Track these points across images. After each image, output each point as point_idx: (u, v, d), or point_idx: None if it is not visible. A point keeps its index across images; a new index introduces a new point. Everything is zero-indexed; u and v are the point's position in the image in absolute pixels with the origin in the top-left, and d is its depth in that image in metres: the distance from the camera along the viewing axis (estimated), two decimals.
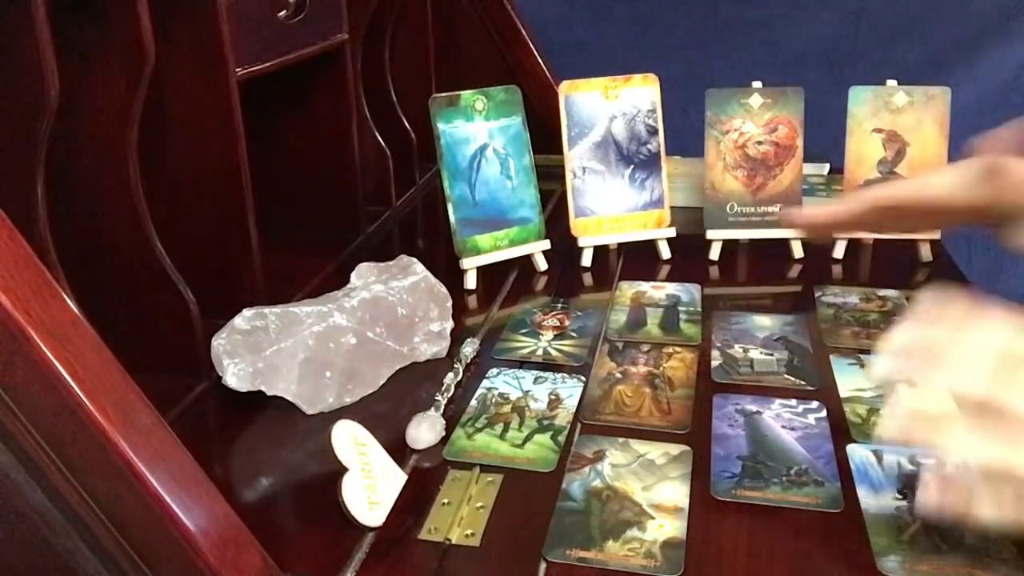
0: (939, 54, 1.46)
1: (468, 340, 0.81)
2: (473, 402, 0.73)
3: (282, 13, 0.85)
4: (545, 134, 1.09)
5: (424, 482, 0.63)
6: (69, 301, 0.48)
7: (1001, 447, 0.47)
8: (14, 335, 0.44)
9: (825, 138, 1.09)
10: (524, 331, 0.85)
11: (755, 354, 0.79)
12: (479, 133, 0.96)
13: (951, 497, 0.49)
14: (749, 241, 1.02)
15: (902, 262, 0.99)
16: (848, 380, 0.75)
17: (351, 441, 0.62)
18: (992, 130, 0.62)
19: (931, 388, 0.50)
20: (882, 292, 0.91)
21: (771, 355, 0.79)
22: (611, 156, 0.99)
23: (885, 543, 0.56)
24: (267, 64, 0.81)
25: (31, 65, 0.57)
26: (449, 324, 0.80)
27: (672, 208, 1.01)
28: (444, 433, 0.68)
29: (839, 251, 1.00)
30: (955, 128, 0.97)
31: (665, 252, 1.01)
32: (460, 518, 0.59)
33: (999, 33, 1.45)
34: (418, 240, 1.15)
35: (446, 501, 0.61)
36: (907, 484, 0.61)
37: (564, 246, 1.00)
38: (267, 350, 0.70)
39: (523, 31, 1.30)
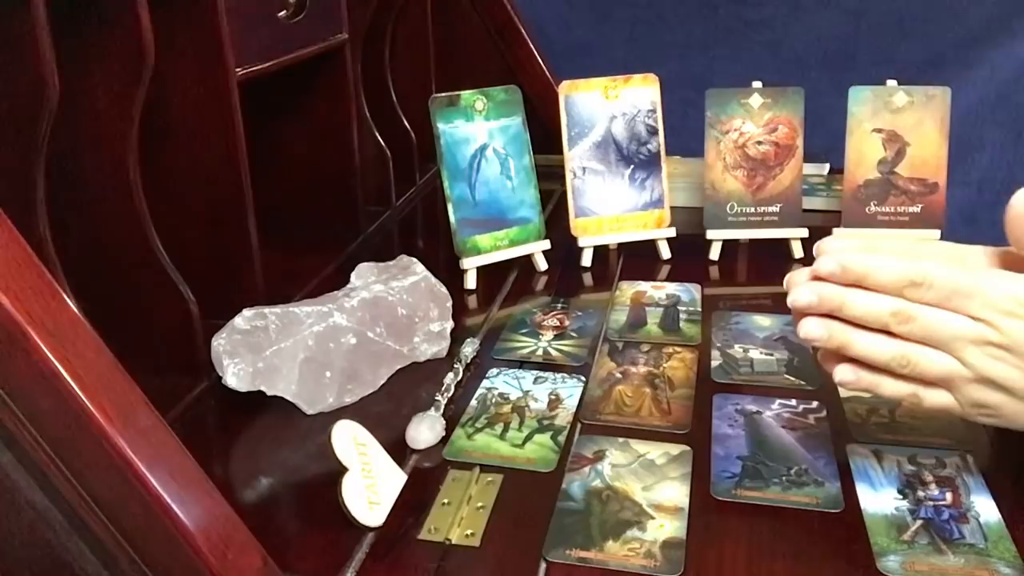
0: (939, 54, 1.46)
1: (468, 340, 0.81)
2: (473, 402, 0.73)
3: (282, 13, 0.85)
4: (545, 134, 1.09)
5: (424, 482, 0.63)
6: (69, 301, 0.48)
7: (904, 354, 0.56)
8: (14, 335, 0.44)
9: (825, 138, 1.09)
10: (524, 331, 0.85)
11: (755, 354, 0.79)
12: (479, 133, 0.96)
13: (860, 375, 0.58)
14: (749, 241, 1.02)
15: None
16: None
17: (351, 441, 0.62)
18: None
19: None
20: None
21: (771, 355, 0.79)
22: (611, 156, 0.99)
23: (885, 543, 0.56)
24: (267, 64, 0.81)
25: (31, 65, 0.57)
26: (449, 324, 0.80)
27: (672, 208, 1.01)
28: (444, 433, 0.68)
29: None
30: (955, 128, 0.97)
31: (665, 252, 1.01)
32: (460, 518, 0.59)
33: (999, 33, 1.45)
34: (418, 240, 1.15)
35: (446, 501, 0.61)
36: (907, 484, 0.62)
37: (564, 246, 1.00)
38: (267, 350, 0.70)
39: (523, 31, 1.30)
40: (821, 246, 0.59)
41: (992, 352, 0.54)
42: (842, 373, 0.58)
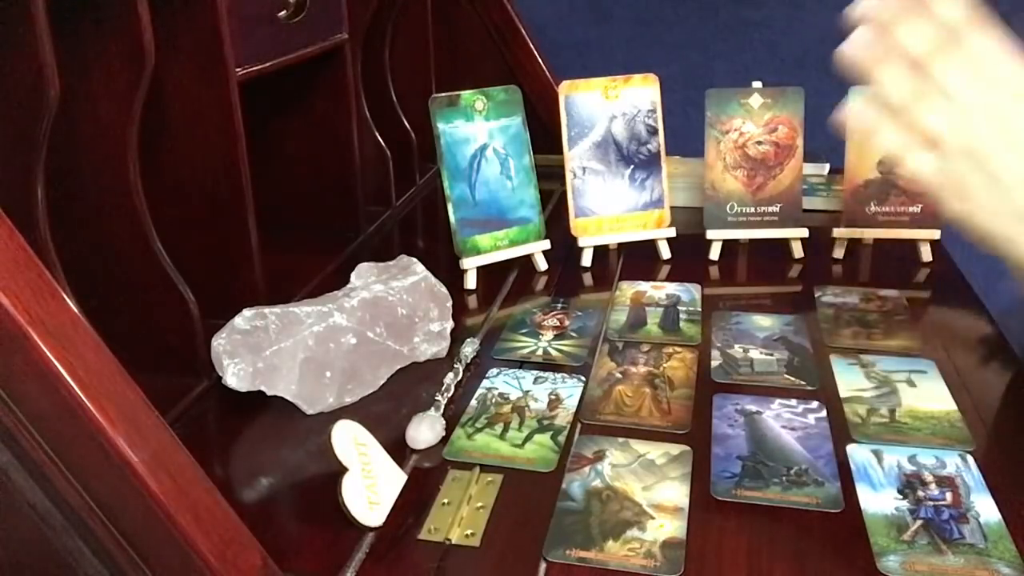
0: None
1: (468, 340, 0.81)
2: (473, 402, 0.73)
3: (282, 13, 0.85)
4: (545, 134, 1.09)
5: (424, 482, 0.63)
6: (69, 301, 0.48)
7: (915, 99, 0.57)
8: (14, 335, 0.44)
9: (825, 138, 1.09)
10: (524, 331, 0.85)
11: (755, 354, 0.79)
12: (479, 133, 0.96)
13: (868, 110, 0.59)
14: (749, 241, 1.02)
15: (902, 262, 0.99)
16: (848, 380, 0.75)
17: (351, 441, 0.62)
18: None
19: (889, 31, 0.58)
20: (882, 292, 0.91)
21: (771, 355, 0.79)
22: (611, 156, 0.99)
23: (885, 543, 0.56)
24: (267, 64, 0.81)
25: (31, 65, 0.57)
26: (449, 324, 0.80)
27: (672, 208, 1.01)
28: (444, 433, 0.68)
29: (839, 251, 1.00)
30: None
31: (665, 252, 1.01)
32: (460, 518, 0.59)
33: None
34: (418, 240, 1.15)
35: (446, 501, 0.61)
36: (907, 484, 0.62)
37: (564, 246, 1.00)
38: (267, 350, 0.70)
39: (523, 31, 1.30)
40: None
41: (996, 126, 0.55)
42: (854, 104, 0.60)
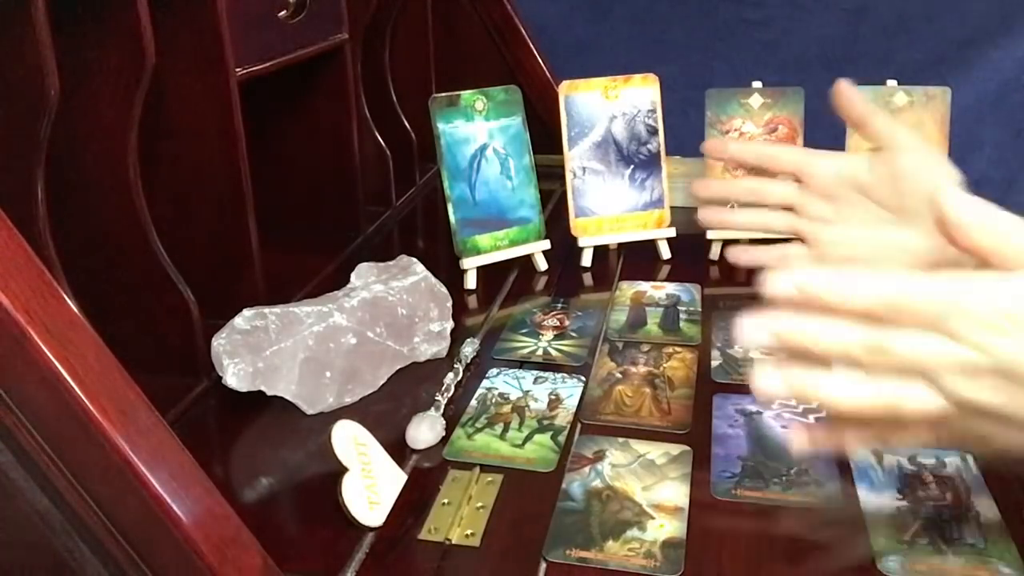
0: (939, 54, 1.46)
1: (468, 340, 0.81)
2: (473, 402, 0.73)
3: (282, 13, 0.85)
4: (545, 134, 1.09)
5: (424, 482, 0.63)
6: (69, 301, 0.48)
7: (889, 384, 0.45)
8: (14, 335, 0.44)
9: (825, 138, 1.09)
10: (524, 331, 0.85)
11: (755, 354, 0.79)
12: (479, 133, 0.96)
13: (822, 437, 0.50)
14: (749, 241, 1.02)
15: None
16: None
17: (351, 441, 0.62)
18: None
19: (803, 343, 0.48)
20: None
21: (771, 355, 0.79)
22: (611, 156, 0.99)
23: (885, 543, 0.56)
24: (267, 64, 0.81)
25: (31, 65, 0.57)
26: (449, 324, 0.80)
27: (672, 208, 1.01)
28: (444, 433, 0.68)
29: None
30: (955, 128, 0.97)
31: (665, 252, 1.01)
32: (460, 518, 0.59)
33: (999, 33, 1.45)
34: (418, 240, 1.15)
35: (446, 501, 0.61)
36: (907, 484, 0.62)
37: (564, 246, 1.00)
38: (267, 350, 0.70)
39: (523, 31, 1.30)
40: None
41: (978, 379, 0.43)
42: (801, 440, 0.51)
